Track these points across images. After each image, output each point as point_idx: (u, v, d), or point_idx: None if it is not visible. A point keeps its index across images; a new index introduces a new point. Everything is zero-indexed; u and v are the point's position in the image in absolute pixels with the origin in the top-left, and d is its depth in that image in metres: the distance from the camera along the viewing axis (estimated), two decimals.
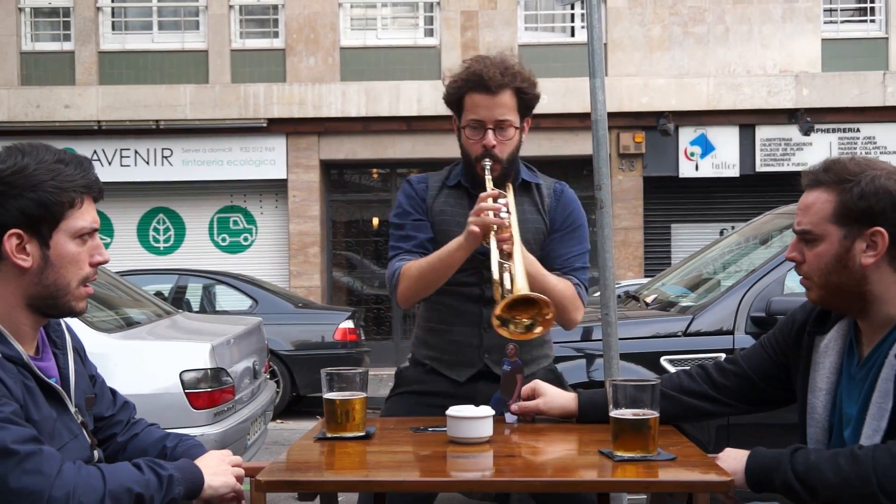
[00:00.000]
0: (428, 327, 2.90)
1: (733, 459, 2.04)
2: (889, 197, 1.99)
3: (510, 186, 2.79)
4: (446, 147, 13.62)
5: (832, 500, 1.88)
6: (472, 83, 2.73)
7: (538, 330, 2.39)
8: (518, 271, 2.42)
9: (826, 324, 2.19)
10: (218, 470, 2.06)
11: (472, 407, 2.23)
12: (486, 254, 2.57)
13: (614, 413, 2.02)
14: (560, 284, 2.71)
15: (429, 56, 13.92)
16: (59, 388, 2.00)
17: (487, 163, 2.73)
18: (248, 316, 8.46)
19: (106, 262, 2.05)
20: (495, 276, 2.45)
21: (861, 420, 2.02)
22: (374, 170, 14.66)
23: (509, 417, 2.45)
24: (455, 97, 2.79)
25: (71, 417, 2.01)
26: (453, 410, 2.22)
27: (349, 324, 9.93)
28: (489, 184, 2.71)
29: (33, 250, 1.93)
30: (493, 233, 2.52)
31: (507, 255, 2.49)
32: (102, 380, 2.25)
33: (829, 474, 1.88)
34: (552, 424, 2.43)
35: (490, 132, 2.73)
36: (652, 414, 2.00)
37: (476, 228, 2.53)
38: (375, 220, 14.55)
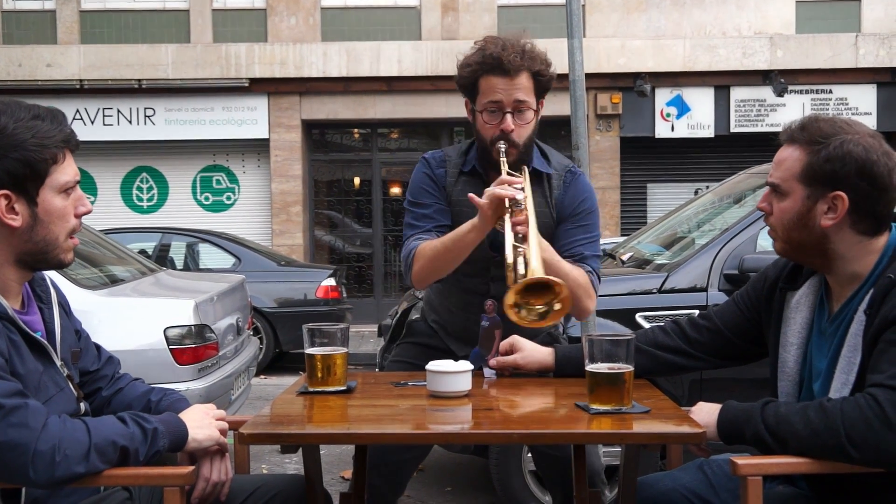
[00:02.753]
0: (438, 301, 2.93)
1: (706, 413, 2.05)
2: (854, 163, 1.99)
3: (525, 170, 2.68)
4: (426, 107, 13.56)
5: (801, 451, 1.90)
6: (489, 66, 2.63)
7: (550, 319, 2.29)
8: (533, 254, 2.32)
9: (798, 280, 2.21)
10: (202, 423, 2.05)
11: (451, 362, 2.23)
12: (498, 248, 2.48)
13: (590, 367, 2.03)
14: (574, 272, 2.59)
15: (409, 16, 13.78)
16: (45, 341, 1.99)
17: (503, 145, 2.64)
18: (232, 273, 8.43)
19: (90, 212, 2.04)
20: (509, 259, 2.33)
21: (830, 374, 2.04)
22: (355, 130, 14.56)
23: (487, 372, 2.46)
24: (470, 81, 2.69)
25: (57, 371, 2.00)
26: (433, 365, 2.22)
27: (331, 281, 9.92)
28: (504, 167, 2.61)
29: (22, 209, 1.91)
30: (507, 215, 2.42)
31: (521, 239, 2.39)
32: (87, 335, 2.24)
33: (799, 426, 1.90)
34: (529, 378, 2.44)
35: (508, 116, 2.64)
36: (627, 368, 2.01)
37: (485, 201, 2.43)
38: (357, 180, 14.48)
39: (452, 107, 12.86)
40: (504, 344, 2.47)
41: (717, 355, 2.38)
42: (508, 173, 2.57)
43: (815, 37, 13.57)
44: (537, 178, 2.75)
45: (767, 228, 2.16)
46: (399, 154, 14.48)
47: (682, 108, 13.76)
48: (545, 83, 2.69)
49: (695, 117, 13.76)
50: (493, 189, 2.44)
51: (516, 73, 2.62)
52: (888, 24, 13.70)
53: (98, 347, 2.27)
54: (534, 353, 2.45)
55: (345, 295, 10.55)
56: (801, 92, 13.69)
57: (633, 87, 13.44)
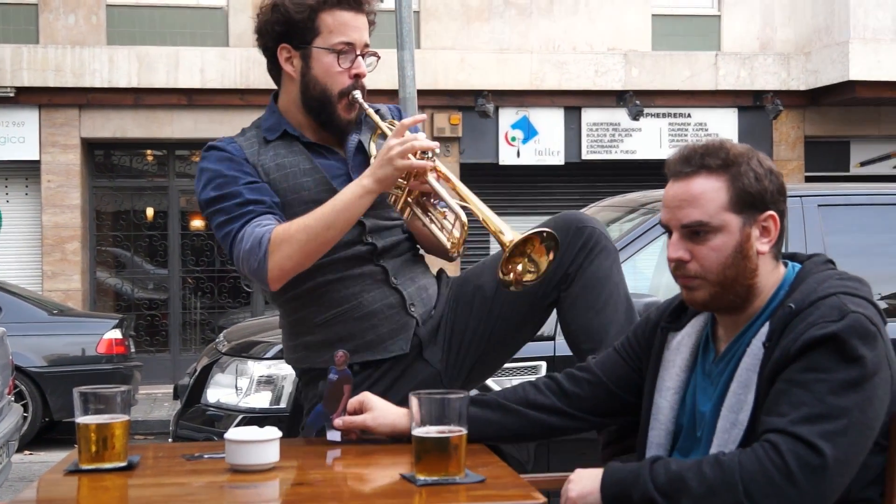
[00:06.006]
0: (322, 322, 2.69)
1: (587, 479, 2.09)
2: (776, 179, 2.13)
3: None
4: (235, 125, 13.28)
5: None
6: None
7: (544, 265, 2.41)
8: (488, 213, 2.42)
9: (682, 319, 2.29)
10: None
11: (255, 429, 2.20)
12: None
13: (417, 431, 2.04)
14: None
15: (214, 18, 13.67)
16: None
17: (359, 94, 2.63)
18: None
19: None
20: (461, 216, 2.45)
21: (716, 416, 2.11)
22: (149, 151, 14.31)
23: (331, 434, 2.43)
24: (307, 16, 2.61)
25: None
26: (232, 434, 2.18)
27: (116, 334, 9.75)
28: (376, 117, 2.65)
29: None
30: (430, 173, 2.47)
31: (457, 196, 2.47)
32: None
33: (693, 483, 1.95)
34: (361, 445, 2.42)
35: (361, 59, 2.64)
36: (458, 431, 2.03)
37: (403, 161, 2.44)
38: (150, 211, 14.20)
39: None
40: (353, 402, 2.42)
41: (599, 412, 2.41)
42: (389, 124, 2.64)
43: (672, 55, 14.30)
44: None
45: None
46: None
47: (529, 131, 14.17)
48: (371, 30, 2.73)
49: (543, 142, 14.20)
50: (411, 142, 2.46)
51: (365, 9, 2.66)
52: (749, 43, 14.61)
53: None
54: (386, 413, 2.41)
55: (133, 350, 10.38)
56: (657, 115, 14.38)
57: (475, 106, 13.76)
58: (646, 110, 14.09)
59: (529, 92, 14.07)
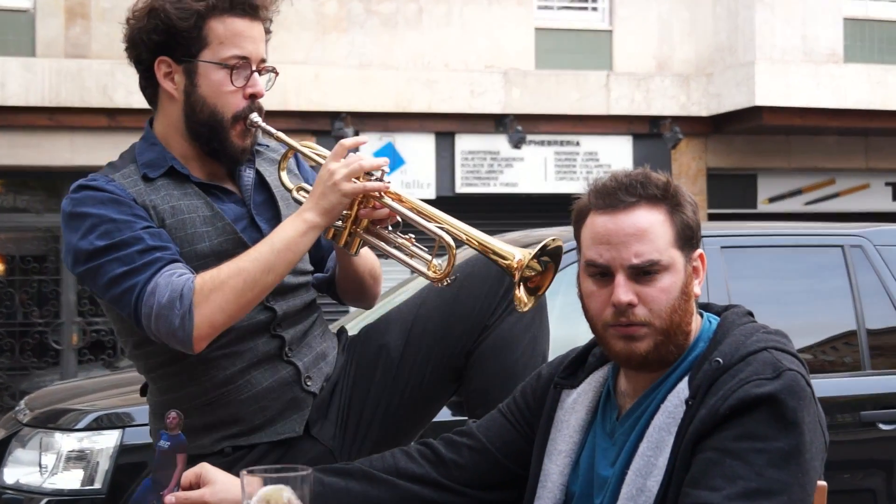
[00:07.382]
0: (202, 405, 2.64)
1: None
2: (698, 211, 2.20)
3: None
4: (43, 150, 13.12)
5: None
6: (229, 1, 2.59)
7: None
8: (475, 232, 2.45)
9: (578, 375, 2.32)
10: None
11: None
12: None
13: None
14: None
15: (18, 23, 13.38)
16: None
17: (258, 118, 2.61)
18: None
19: None
20: (446, 238, 2.44)
21: (621, 481, 2.12)
22: None
23: None
24: (192, 22, 2.57)
25: None
26: None
27: None
28: (291, 140, 2.64)
29: None
30: (386, 196, 2.48)
31: (427, 217, 2.48)
32: None
33: None
34: None
35: (258, 76, 2.62)
36: None
37: (351, 186, 2.43)
38: None
39: (80, 151, 12.54)
40: (188, 474, 2.37)
41: (480, 484, 2.40)
42: (306, 145, 2.67)
43: (558, 74, 14.55)
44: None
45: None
46: (1, 216, 13.89)
47: (395, 160, 14.21)
48: (268, 39, 2.74)
49: (411, 172, 14.24)
50: (357, 162, 2.46)
51: (261, 16, 2.66)
52: (645, 62, 14.97)
53: None
54: (228, 487, 2.35)
55: None
56: (542, 143, 14.59)
57: (331, 130, 13.74)
58: (528, 137, 14.27)
59: (395, 114, 14.11)
